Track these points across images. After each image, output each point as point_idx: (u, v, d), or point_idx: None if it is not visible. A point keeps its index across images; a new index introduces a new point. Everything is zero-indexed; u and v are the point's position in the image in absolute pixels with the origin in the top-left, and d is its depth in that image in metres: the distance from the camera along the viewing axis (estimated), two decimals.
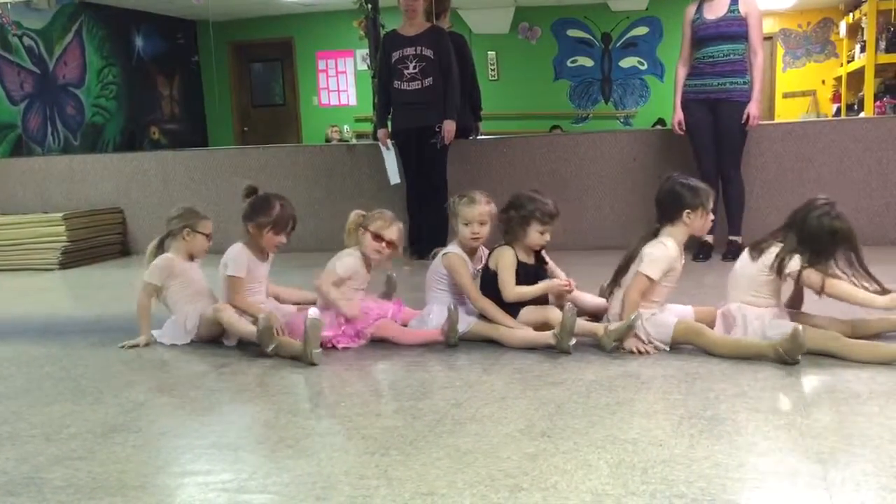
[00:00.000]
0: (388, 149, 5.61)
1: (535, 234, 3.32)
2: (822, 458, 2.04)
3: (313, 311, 3.13)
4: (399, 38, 5.39)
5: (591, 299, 3.50)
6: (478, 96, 6.07)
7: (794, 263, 2.93)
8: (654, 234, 3.20)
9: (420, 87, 5.29)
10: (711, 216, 3.22)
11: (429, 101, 5.31)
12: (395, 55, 5.34)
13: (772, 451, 2.11)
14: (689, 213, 3.13)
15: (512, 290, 3.28)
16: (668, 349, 3.05)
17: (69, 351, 3.49)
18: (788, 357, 2.74)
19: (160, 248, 3.62)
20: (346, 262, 3.40)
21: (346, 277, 3.38)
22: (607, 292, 3.33)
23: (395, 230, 3.43)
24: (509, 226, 3.35)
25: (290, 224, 3.50)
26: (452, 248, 3.44)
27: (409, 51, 5.30)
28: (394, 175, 5.65)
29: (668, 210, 3.18)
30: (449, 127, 5.32)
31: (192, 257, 3.62)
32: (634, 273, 3.13)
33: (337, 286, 3.37)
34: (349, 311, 3.29)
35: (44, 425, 2.54)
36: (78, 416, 2.62)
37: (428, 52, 5.28)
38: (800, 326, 2.71)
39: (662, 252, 3.10)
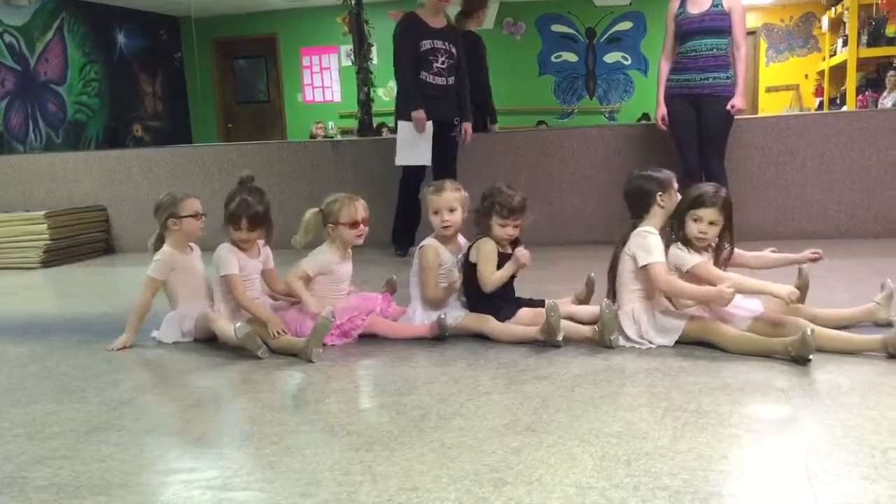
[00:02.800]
0: (422, 131, 5.15)
1: (497, 228, 3.30)
2: (803, 449, 2.05)
3: (327, 310, 3.12)
4: (426, 27, 5.16)
5: (587, 311, 3.39)
6: (490, 96, 6.09)
7: (681, 258, 3.05)
8: (633, 229, 3.18)
9: (444, 83, 5.19)
10: (678, 196, 3.21)
11: (450, 98, 5.27)
12: (426, 44, 5.12)
13: (754, 443, 2.12)
14: (660, 195, 3.14)
15: (489, 279, 3.27)
16: (653, 345, 3.05)
17: (52, 349, 3.47)
18: (799, 358, 2.74)
19: (159, 243, 3.59)
20: (318, 259, 3.40)
21: (314, 275, 3.38)
22: (609, 298, 3.30)
23: (360, 207, 3.43)
24: (478, 218, 3.35)
25: (244, 220, 3.40)
26: (428, 241, 3.46)
27: (439, 44, 5.15)
28: (428, 156, 5.17)
29: (639, 202, 3.19)
30: (469, 127, 5.36)
31: (189, 245, 3.61)
32: (634, 270, 3.10)
33: (307, 282, 3.38)
34: (314, 307, 3.28)
35: (26, 424, 2.52)
36: (61, 414, 2.60)
37: (454, 50, 5.21)
38: (809, 330, 2.71)
39: (652, 238, 3.09)
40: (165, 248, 3.54)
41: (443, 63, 5.14)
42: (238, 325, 3.15)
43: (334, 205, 3.42)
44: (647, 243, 3.08)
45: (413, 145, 5.16)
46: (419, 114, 5.07)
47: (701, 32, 4.93)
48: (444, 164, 5.25)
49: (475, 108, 5.75)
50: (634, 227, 3.18)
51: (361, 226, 3.42)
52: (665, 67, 5.13)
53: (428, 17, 5.20)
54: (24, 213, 6.28)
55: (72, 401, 2.74)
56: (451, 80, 5.22)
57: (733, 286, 2.93)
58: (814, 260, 3.20)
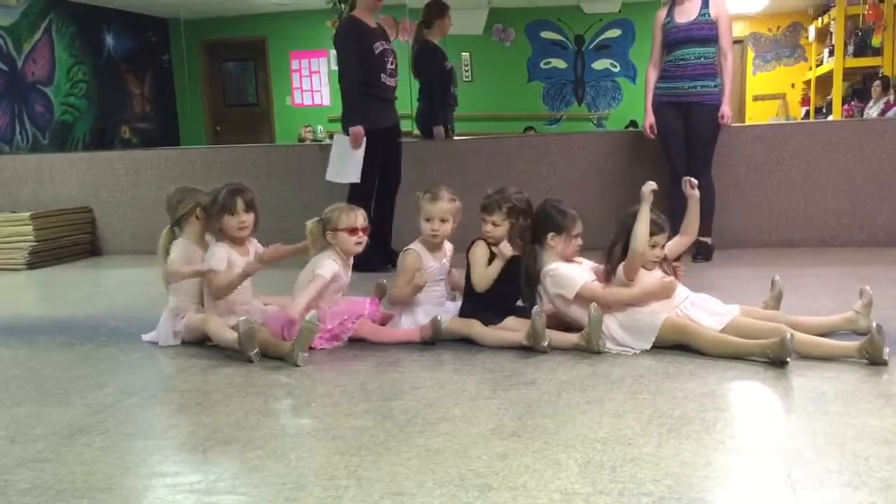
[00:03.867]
0: (359, 147, 4.95)
1: (482, 223, 3.36)
2: (787, 456, 2.07)
3: (312, 315, 3.11)
4: (370, 29, 5.00)
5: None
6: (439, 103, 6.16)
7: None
8: (532, 253, 3.29)
9: (395, 84, 5.12)
10: (578, 241, 3.31)
11: (394, 100, 5.23)
12: (377, 47, 4.97)
13: (738, 450, 2.13)
14: (553, 235, 3.26)
15: (479, 280, 3.29)
16: (636, 350, 3.07)
17: (36, 352, 3.45)
18: (776, 360, 2.78)
19: (172, 235, 3.57)
20: (328, 264, 3.38)
21: (330, 280, 3.36)
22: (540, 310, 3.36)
23: (360, 216, 3.46)
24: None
25: (238, 201, 3.41)
26: (414, 245, 3.47)
27: (386, 45, 5.04)
28: (357, 173, 4.91)
29: (537, 230, 3.31)
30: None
31: (204, 238, 3.60)
32: (567, 304, 3.20)
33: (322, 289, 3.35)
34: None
35: (9, 427, 2.50)
36: (44, 417, 2.59)
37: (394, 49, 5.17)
38: (788, 334, 2.75)
39: (562, 270, 3.21)
40: (183, 240, 3.53)
41: (392, 64, 5.04)
42: (242, 318, 3.15)
43: (334, 212, 3.46)
44: (561, 279, 3.21)
45: (347, 161, 4.90)
46: (359, 130, 4.84)
47: (688, 41, 4.95)
48: (394, 171, 5.19)
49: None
50: (533, 250, 3.28)
51: (360, 233, 3.44)
52: (653, 76, 5.15)
53: (367, 18, 5.01)
54: (9, 214, 6.23)
55: (55, 403, 2.73)
56: (397, 79, 5.14)
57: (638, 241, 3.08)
58: (692, 187, 3.29)
